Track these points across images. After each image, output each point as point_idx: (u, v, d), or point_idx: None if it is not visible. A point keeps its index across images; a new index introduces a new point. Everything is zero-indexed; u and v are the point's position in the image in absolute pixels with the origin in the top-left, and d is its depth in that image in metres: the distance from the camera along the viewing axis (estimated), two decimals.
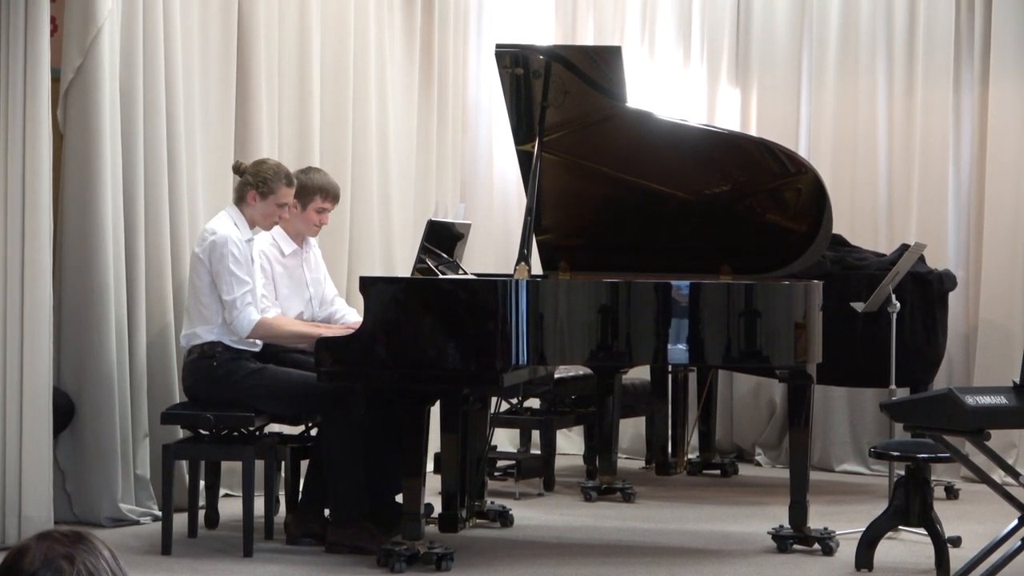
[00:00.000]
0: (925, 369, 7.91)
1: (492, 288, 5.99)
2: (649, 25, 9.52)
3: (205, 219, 6.92)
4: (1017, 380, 5.34)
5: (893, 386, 6.92)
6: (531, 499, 7.67)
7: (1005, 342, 8.52)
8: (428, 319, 5.88)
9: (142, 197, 6.92)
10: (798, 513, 6.38)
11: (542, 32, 9.51)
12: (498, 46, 6.77)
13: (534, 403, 8.29)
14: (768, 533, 6.46)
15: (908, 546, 6.35)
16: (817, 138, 9.16)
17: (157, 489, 6.72)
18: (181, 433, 6.60)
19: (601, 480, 7.75)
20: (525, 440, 8.54)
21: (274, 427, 6.74)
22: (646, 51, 9.50)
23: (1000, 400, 5.32)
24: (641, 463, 8.92)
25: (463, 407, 6.44)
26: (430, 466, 6.98)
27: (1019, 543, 5.46)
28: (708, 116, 9.33)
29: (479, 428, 6.81)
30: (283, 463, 6.79)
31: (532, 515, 7.19)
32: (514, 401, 8.01)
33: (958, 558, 5.80)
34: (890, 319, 6.89)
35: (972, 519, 6.99)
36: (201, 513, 6.61)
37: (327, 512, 6.30)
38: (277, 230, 6.65)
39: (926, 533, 5.90)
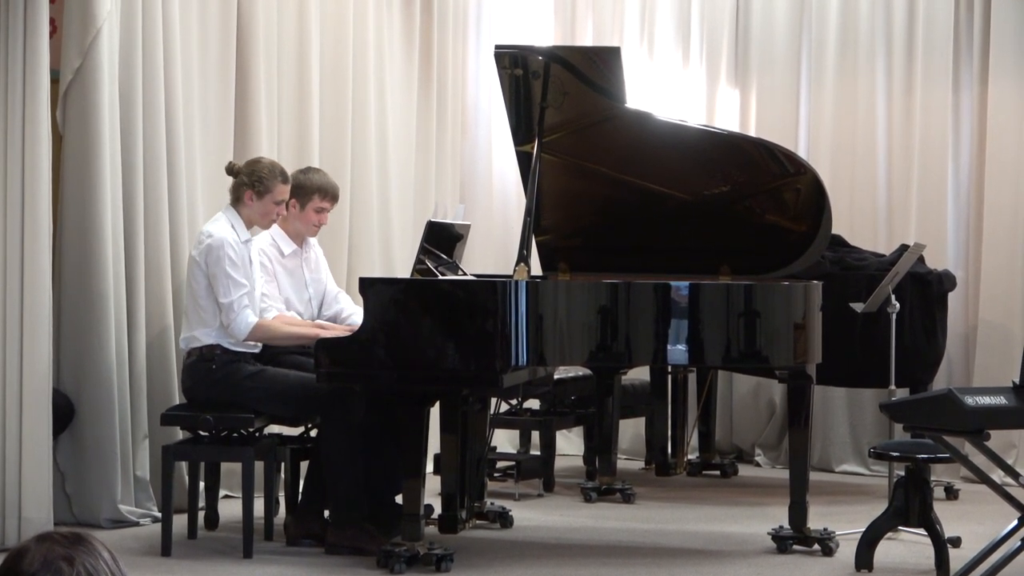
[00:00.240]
0: (925, 369, 7.92)
1: (491, 289, 5.99)
2: (648, 26, 9.52)
3: (204, 220, 6.92)
4: (1017, 380, 5.34)
5: (893, 386, 6.92)
6: (531, 500, 7.67)
7: (1005, 342, 8.52)
8: (427, 320, 5.88)
9: (141, 198, 6.92)
10: (798, 514, 6.38)
11: (541, 33, 9.51)
12: (497, 47, 6.77)
13: (534, 404, 8.29)
14: (768, 534, 6.46)
15: (908, 546, 6.35)
16: (816, 138, 9.16)
17: (157, 490, 6.72)
18: (181, 434, 6.60)
19: (601, 481, 7.75)
20: (525, 441, 8.54)
21: (274, 428, 6.74)
22: (645, 52, 9.50)
23: (1000, 400, 5.32)
24: (641, 464, 8.92)
25: (463, 408, 6.43)
26: (430, 467, 6.98)
27: (1019, 543, 5.46)
28: (707, 117, 9.33)
29: (479, 429, 6.81)
30: (283, 464, 6.78)
31: (532, 516, 7.19)
32: (514, 402, 8.01)
33: (958, 558, 5.80)
34: (889, 319, 6.89)
35: (972, 519, 6.99)
36: (201, 514, 6.61)
37: (327, 513, 6.30)
38: (276, 230, 6.65)
39: (926, 533, 5.90)
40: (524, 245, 6.30)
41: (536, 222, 6.74)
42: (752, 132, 9.01)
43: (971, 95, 8.83)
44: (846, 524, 6.61)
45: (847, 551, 6.13)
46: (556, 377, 7.92)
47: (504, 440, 8.87)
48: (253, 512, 6.17)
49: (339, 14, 8.09)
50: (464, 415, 6.48)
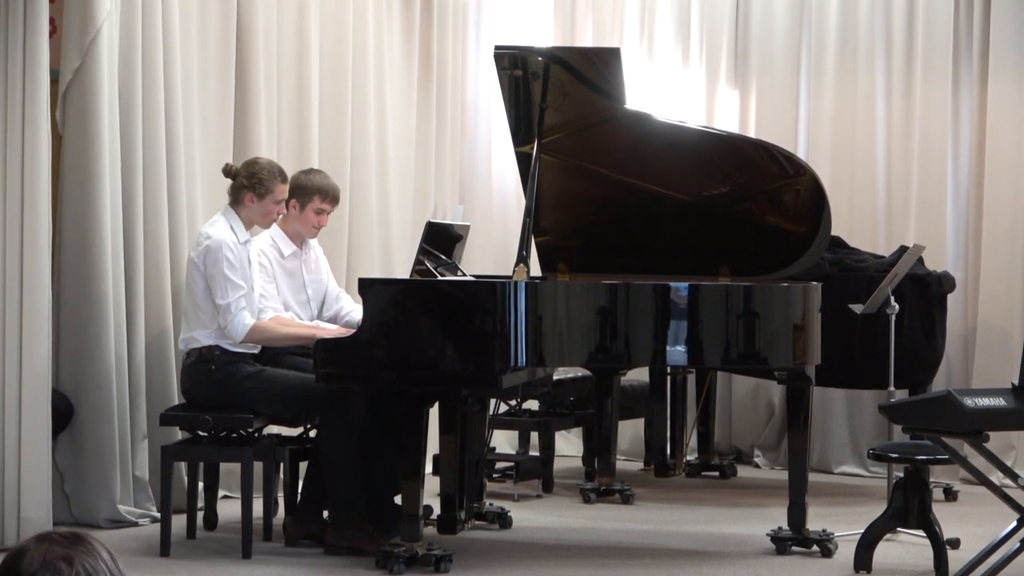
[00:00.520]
0: (924, 371, 7.92)
1: (491, 290, 5.99)
2: (648, 26, 9.52)
3: (204, 220, 6.92)
4: (1016, 382, 5.35)
5: (892, 388, 6.92)
6: (530, 501, 7.67)
7: (1004, 344, 8.52)
8: (427, 320, 5.88)
9: (141, 198, 6.92)
10: (797, 515, 6.38)
11: (541, 33, 9.51)
12: (497, 47, 6.77)
13: (533, 405, 8.29)
14: (767, 535, 6.46)
15: (907, 548, 6.35)
16: (816, 139, 9.16)
17: (156, 491, 6.72)
18: (180, 435, 6.60)
19: (600, 482, 7.75)
20: (524, 442, 8.55)
21: (273, 429, 6.74)
22: (645, 52, 9.50)
23: (999, 402, 5.32)
24: (640, 465, 8.92)
25: (462, 409, 6.43)
26: (429, 468, 6.98)
27: (1018, 545, 5.46)
28: (707, 117, 9.33)
29: (478, 430, 6.81)
30: (282, 465, 6.78)
31: (531, 517, 7.19)
32: (513, 403, 8.01)
33: (957, 560, 5.80)
34: (889, 321, 6.89)
35: (971, 521, 6.99)
36: (200, 515, 6.61)
37: (326, 514, 6.30)
38: (276, 231, 6.66)
39: (925, 535, 5.90)
40: (523, 246, 6.30)
41: (535, 223, 6.74)
42: (751, 133, 9.01)
43: (970, 96, 8.83)
44: (845, 525, 6.61)
45: (846, 552, 6.13)
46: (555, 378, 7.92)
47: (503, 441, 8.87)
48: (252, 512, 6.17)
49: (339, 14, 8.10)
50: (463, 416, 6.48)
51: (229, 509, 6.80)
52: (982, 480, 5.82)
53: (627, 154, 6.92)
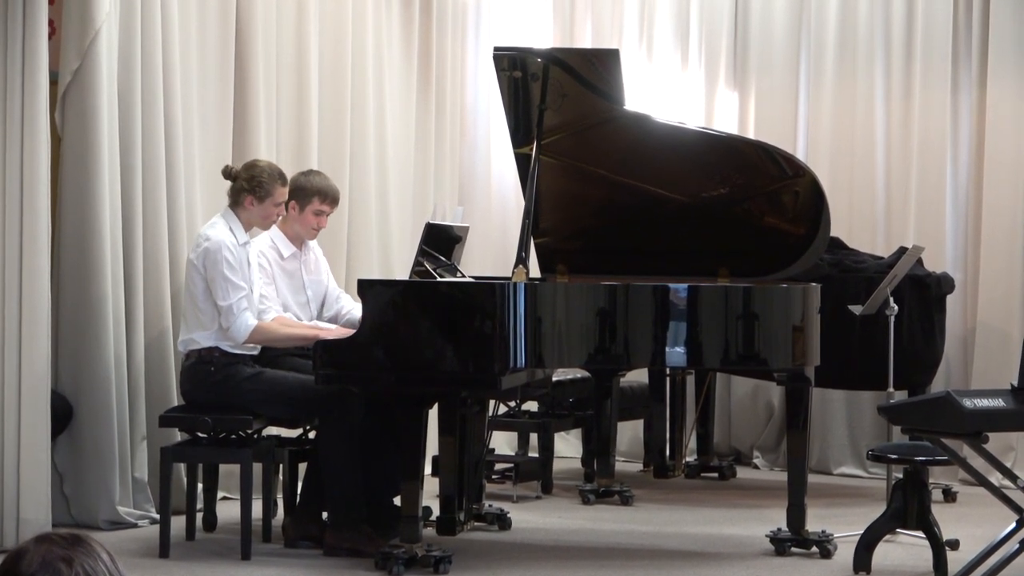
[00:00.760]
0: (923, 372, 7.92)
1: (490, 291, 5.99)
2: (647, 28, 9.53)
3: (203, 221, 6.92)
4: (1015, 383, 5.35)
5: (891, 389, 6.92)
6: (529, 502, 7.67)
7: (1003, 345, 8.52)
8: (426, 322, 5.88)
9: (140, 200, 6.91)
10: (796, 516, 6.38)
11: (540, 35, 9.51)
12: (496, 49, 6.77)
13: (532, 406, 8.29)
14: (766, 536, 6.46)
15: (906, 549, 6.35)
16: (815, 141, 9.16)
17: (155, 492, 6.72)
18: (179, 436, 6.60)
19: (599, 483, 7.75)
20: (523, 443, 8.55)
21: (272, 430, 6.73)
22: (644, 54, 9.50)
23: (998, 403, 5.32)
24: (639, 466, 8.92)
25: (461, 410, 6.43)
26: (428, 469, 6.98)
27: (1017, 546, 5.46)
28: (706, 119, 9.33)
29: (477, 431, 6.81)
30: (281, 466, 6.78)
31: (530, 518, 7.19)
32: (512, 404, 8.01)
33: (956, 561, 5.80)
34: (888, 322, 6.90)
35: (970, 522, 6.99)
36: (199, 516, 6.61)
37: (325, 515, 6.30)
38: (276, 232, 6.66)
39: (924, 536, 5.90)
40: (523, 247, 6.30)
41: (535, 224, 6.73)
42: (751, 134, 9.02)
43: (970, 98, 8.83)
44: (844, 526, 6.61)
45: (845, 553, 6.13)
46: (554, 379, 7.93)
47: (502, 442, 8.87)
48: (251, 514, 6.17)
49: (338, 16, 8.10)
50: (462, 417, 6.48)
51: (228, 510, 6.80)
52: (981, 481, 5.82)
53: (626, 155, 6.92)
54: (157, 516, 6.55)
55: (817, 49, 9.14)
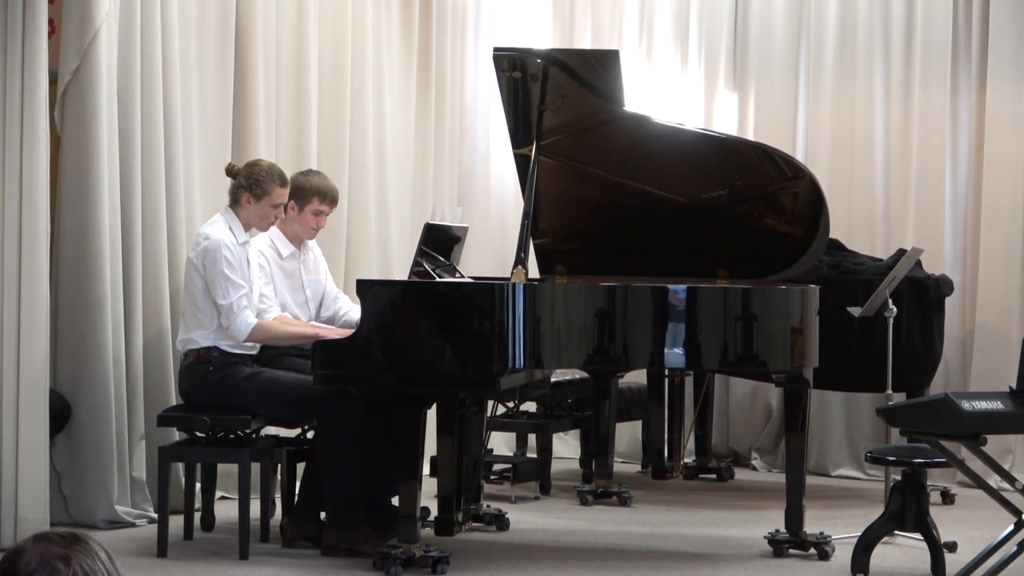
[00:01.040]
0: (921, 374, 7.92)
1: (489, 291, 5.98)
2: (647, 29, 9.53)
3: (202, 221, 6.92)
4: (1013, 385, 5.35)
5: (890, 391, 6.92)
6: (527, 503, 7.67)
7: (1001, 347, 8.52)
8: (425, 322, 5.88)
9: (139, 199, 6.91)
10: (794, 517, 6.38)
11: (539, 35, 9.51)
12: (496, 49, 6.77)
13: (530, 407, 8.29)
14: (764, 537, 6.46)
15: (904, 551, 6.35)
16: (814, 142, 9.16)
17: (153, 491, 6.72)
18: (177, 435, 6.60)
19: (597, 484, 7.75)
20: (521, 443, 8.54)
21: (270, 430, 6.73)
22: (643, 55, 9.50)
23: (996, 405, 5.32)
24: (637, 467, 8.92)
25: (459, 410, 6.43)
26: (426, 469, 6.98)
27: (1015, 548, 5.46)
28: (705, 120, 9.33)
29: (475, 431, 6.81)
30: (279, 466, 6.78)
31: (528, 519, 7.19)
32: (510, 404, 8.01)
33: (954, 563, 5.80)
34: (887, 324, 6.90)
35: (968, 524, 6.99)
36: (197, 515, 6.61)
37: (323, 515, 6.30)
38: (275, 232, 6.66)
39: (922, 538, 5.90)
40: (522, 248, 6.30)
41: (534, 225, 6.73)
42: (750, 136, 9.01)
43: (969, 100, 8.83)
44: (842, 528, 6.61)
45: (843, 555, 6.13)
46: (553, 380, 7.93)
47: (500, 443, 8.87)
48: (249, 513, 6.17)
49: (338, 16, 8.10)
50: (461, 417, 6.48)
51: (226, 510, 6.80)
52: (979, 483, 5.82)
53: (626, 156, 6.92)
54: (155, 515, 6.55)
55: (817, 51, 9.14)
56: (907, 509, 5.84)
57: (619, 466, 8.55)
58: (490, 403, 7.11)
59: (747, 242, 6.93)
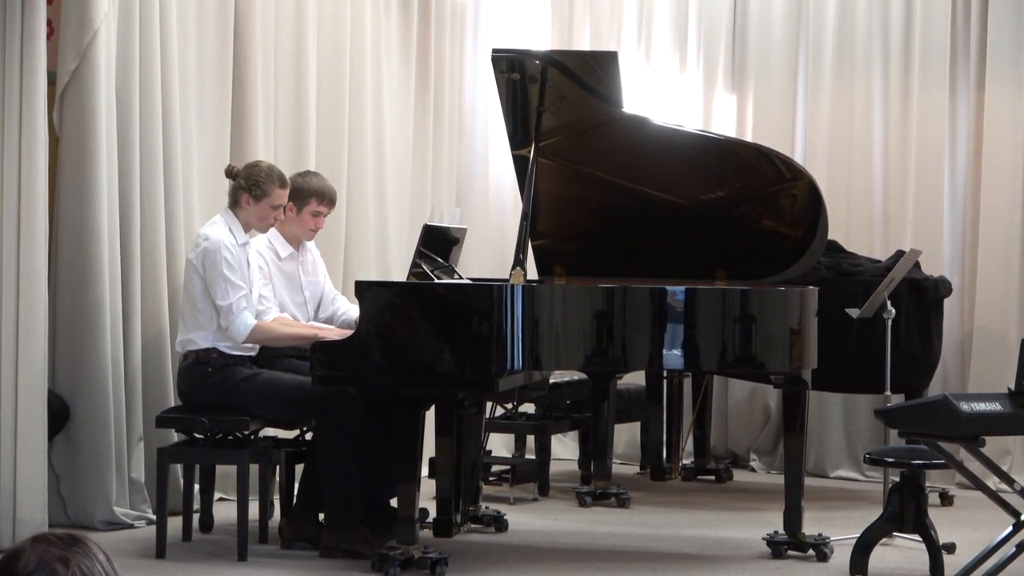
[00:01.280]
0: (920, 375, 7.92)
1: (487, 293, 5.98)
2: (645, 30, 9.53)
3: (201, 222, 6.92)
4: (1012, 387, 5.35)
5: (888, 392, 6.92)
6: (526, 504, 7.67)
7: (1000, 348, 8.53)
8: (423, 323, 5.88)
9: (138, 201, 6.91)
10: (793, 519, 6.38)
11: (538, 37, 9.52)
12: (494, 51, 6.77)
13: (529, 408, 8.29)
14: (763, 539, 6.46)
15: (902, 552, 6.36)
16: (813, 144, 9.16)
17: (152, 493, 6.72)
18: (176, 437, 6.60)
19: (596, 485, 7.75)
20: (520, 445, 8.55)
21: (269, 431, 6.73)
22: (642, 56, 9.50)
23: (995, 407, 5.32)
24: (636, 468, 8.92)
25: (458, 412, 6.43)
26: (425, 470, 6.97)
27: (1013, 549, 5.46)
28: (704, 122, 9.33)
29: (474, 433, 6.81)
30: (278, 467, 6.78)
31: (527, 520, 7.19)
32: (509, 406, 8.01)
33: (952, 564, 5.80)
34: (885, 325, 6.90)
35: (966, 525, 6.99)
36: (195, 517, 6.61)
37: (322, 516, 6.30)
38: (273, 233, 6.65)
39: (920, 539, 5.90)
40: (520, 249, 6.30)
41: (532, 226, 6.73)
42: (749, 137, 9.01)
43: (967, 102, 8.83)
44: (841, 530, 6.61)
45: (842, 556, 6.13)
46: (551, 381, 7.92)
47: (499, 444, 8.87)
48: (248, 515, 6.16)
49: (336, 17, 8.10)
50: (459, 419, 6.48)
51: (225, 511, 6.79)
52: (978, 485, 5.82)
53: (624, 158, 6.93)
54: (153, 517, 6.54)
55: (815, 52, 9.15)
56: (906, 510, 5.84)
57: (618, 467, 8.55)
58: (489, 404, 7.11)
59: (746, 243, 6.93)
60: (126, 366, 6.83)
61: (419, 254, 6.34)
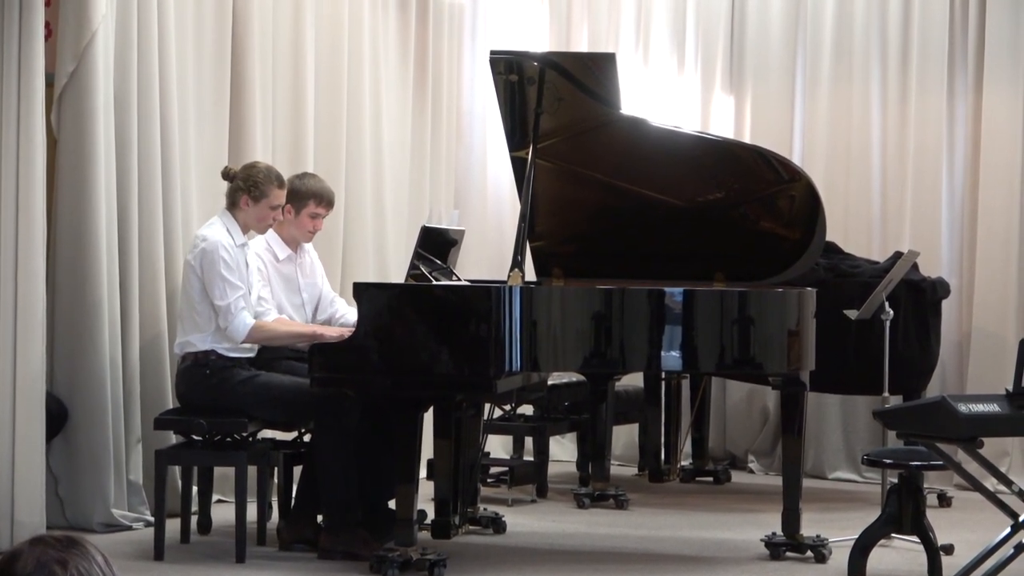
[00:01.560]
0: (918, 377, 7.92)
1: (485, 294, 5.98)
2: (643, 32, 9.53)
3: (199, 224, 6.92)
4: (1010, 388, 5.34)
5: (886, 394, 6.92)
6: (524, 506, 7.67)
7: (998, 350, 8.53)
8: (421, 325, 5.88)
9: (136, 202, 6.91)
10: (791, 520, 6.38)
11: (536, 38, 9.52)
12: (492, 52, 6.77)
13: (527, 410, 8.29)
14: (761, 540, 6.46)
15: (901, 554, 6.36)
16: (811, 145, 9.16)
17: (150, 494, 6.71)
18: (174, 439, 6.60)
19: (594, 487, 7.75)
20: (518, 446, 8.54)
21: (267, 433, 6.73)
22: (640, 58, 9.50)
23: (993, 408, 5.31)
24: (634, 470, 8.92)
25: (456, 413, 6.43)
26: (423, 472, 6.97)
27: (1011, 551, 5.46)
28: (702, 123, 9.33)
29: (472, 434, 6.81)
30: (276, 469, 6.77)
31: (525, 522, 7.18)
32: (507, 407, 8.01)
33: (951, 566, 5.79)
34: (883, 327, 6.90)
35: (965, 527, 6.99)
36: (194, 519, 6.60)
37: (320, 518, 6.30)
38: (272, 235, 6.65)
39: (919, 541, 5.89)
40: (518, 251, 6.30)
41: (530, 228, 6.73)
42: (747, 139, 9.01)
43: (965, 104, 8.84)
44: (839, 531, 6.61)
45: (840, 558, 6.13)
46: (550, 383, 7.92)
47: (497, 446, 8.87)
48: (246, 517, 6.16)
49: (335, 19, 8.10)
50: (457, 420, 6.48)
51: (223, 513, 6.79)
52: (976, 486, 5.82)
53: (622, 159, 6.93)
54: (152, 519, 6.54)
55: (813, 54, 9.15)
56: (904, 512, 5.83)
57: (616, 469, 8.55)
58: (487, 406, 7.11)
59: (744, 245, 6.93)
60: (124, 368, 6.82)
61: (417, 256, 6.33)
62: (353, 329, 6.07)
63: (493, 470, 7.91)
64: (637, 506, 7.73)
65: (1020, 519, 5.49)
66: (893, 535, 6.14)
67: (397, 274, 7.96)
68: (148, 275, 6.97)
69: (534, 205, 6.74)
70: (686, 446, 8.80)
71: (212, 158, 7.30)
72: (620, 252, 7.13)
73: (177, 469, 6.70)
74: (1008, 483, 5.65)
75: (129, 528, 6.73)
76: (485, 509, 6.96)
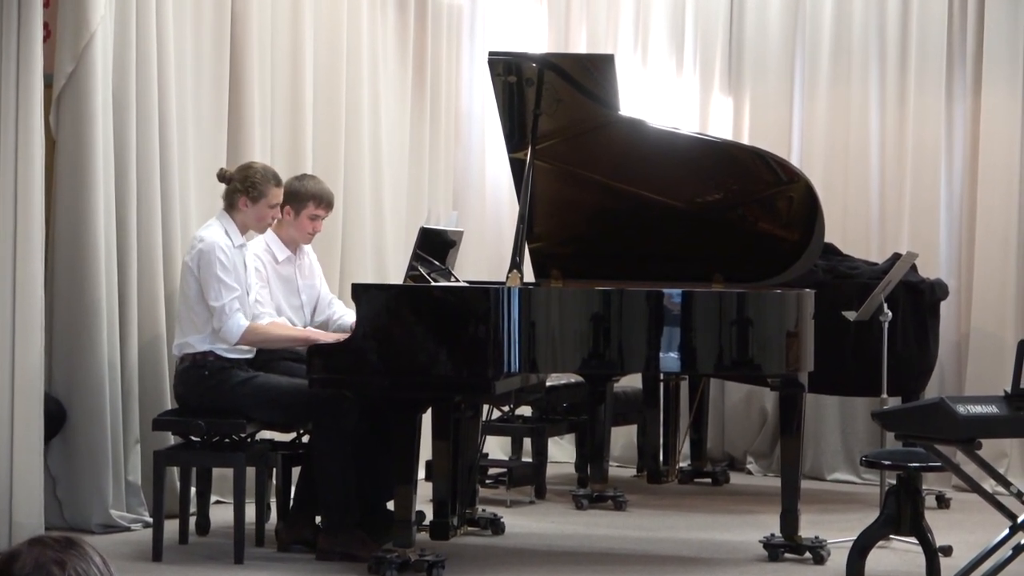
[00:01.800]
0: (917, 378, 7.92)
1: (484, 296, 5.98)
2: (642, 33, 9.53)
3: (197, 225, 6.92)
4: (1008, 389, 5.34)
5: (885, 395, 6.92)
6: (522, 507, 7.67)
7: (997, 351, 8.53)
8: (420, 326, 5.88)
9: (134, 203, 6.91)
10: (789, 522, 6.38)
11: (535, 40, 9.52)
12: (491, 54, 6.77)
13: (526, 411, 8.29)
14: (759, 542, 6.46)
15: (899, 555, 6.36)
16: (809, 147, 9.17)
17: (148, 495, 6.71)
18: (172, 440, 6.59)
19: (592, 488, 7.75)
20: (516, 448, 8.54)
21: (265, 434, 6.73)
22: (639, 59, 9.51)
23: (991, 409, 5.31)
24: (632, 471, 8.92)
25: (455, 414, 6.43)
26: (421, 473, 6.98)
27: (1010, 552, 5.46)
28: (701, 124, 9.34)
29: (471, 436, 6.81)
30: (274, 470, 6.77)
31: (523, 523, 7.18)
32: (506, 409, 8.01)
33: (949, 567, 5.79)
34: (882, 328, 6.90)
35: (963, 528, 6.99)
36: (192, 520, 6.60)
37: (318, 519, 6.30)
38: (271, 236, 6.66)
39: (917, 542, 5.89)
40: (517, 252, 6.30)
41: (529, 229, 6.73)
42: (745, 140, 9.01)
43: (964, 105, 8.84)
44: (837, 532, 6.61)
45: (838, 559, 6.13)
46: (548, 384, 7.92)
47: (496, 447, 8.86)
48: (244, 518, 6.16)
49: (333, 20, 8.10)
50: (456, 421, 6.48)
51: (221, 514, 6.79)
52: (975, 487, 5.82)
53: (621, 160, 6.93)
54: (150, 520, 6.54)
55: (812, 55, 9.15)
56: (902, 513, 5.83)
57: (614, 470, 8.55)
58: (485, 407, 7.12)
59: (742, 246, 6.93)
60: (123, 369, 6.82)
61: (416, 257, 6.34)
62: (348, 333, 6.07)
63: (492, 471, 7.92)
64: (635, 507, 7.73)
65: (1018, 520, 5.49)
66: (891, 536, 6.14)
67: (396, 275, 7.96)
68: (147, 276, 6.97)
69: (533, 206, 6.74)
70: (684, 447, 8.80)
71: (210, 159, 7.30)
72: (619, 253, 7.13)
73: (175, 470, 6.70)
74: (1007, 484, 5.65)
75: (127, 529, 6.73)
76: (484, 510, 6.96)
